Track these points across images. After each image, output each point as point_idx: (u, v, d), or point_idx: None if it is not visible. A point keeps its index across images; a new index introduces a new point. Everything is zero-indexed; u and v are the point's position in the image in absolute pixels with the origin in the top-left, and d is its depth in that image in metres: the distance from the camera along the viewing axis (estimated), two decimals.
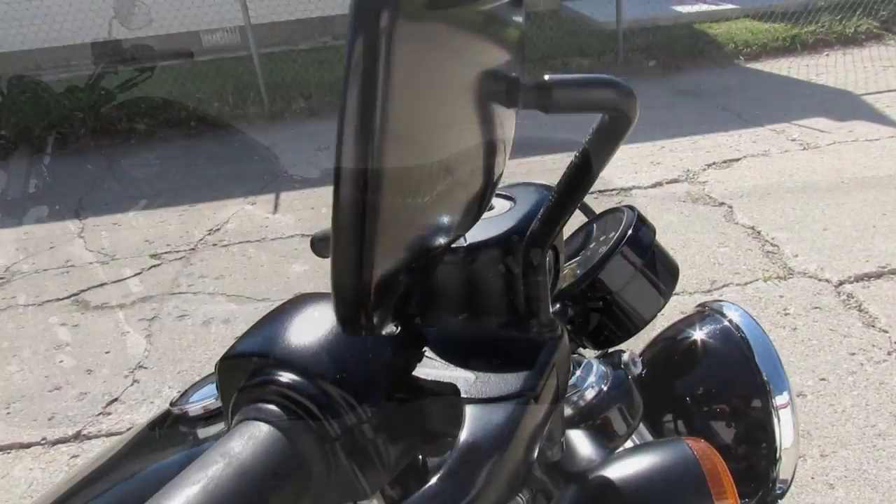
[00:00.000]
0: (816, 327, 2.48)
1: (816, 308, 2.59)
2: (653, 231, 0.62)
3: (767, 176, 3.87)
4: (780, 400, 0.59)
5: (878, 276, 2.77)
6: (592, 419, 0.53)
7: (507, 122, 0.30)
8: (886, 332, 2.42)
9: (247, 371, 0.37)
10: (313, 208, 4.10)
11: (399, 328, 0.39)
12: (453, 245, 0.40)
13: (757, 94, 5.42)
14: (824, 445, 1.97)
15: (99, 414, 2.46)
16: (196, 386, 0.63)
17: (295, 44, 7.84)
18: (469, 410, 0.35)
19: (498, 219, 0.42)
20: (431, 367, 0.38)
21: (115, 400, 2.53)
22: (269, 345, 0.38)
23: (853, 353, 2.33)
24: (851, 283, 2.74)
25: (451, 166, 0.27)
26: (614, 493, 0.42)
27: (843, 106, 4.91)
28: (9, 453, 2.32)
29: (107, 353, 2.85)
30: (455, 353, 0.39)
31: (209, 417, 0.60)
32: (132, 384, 2.61)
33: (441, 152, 0.26)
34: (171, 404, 0.63)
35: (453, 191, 0.29)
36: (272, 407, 0.35)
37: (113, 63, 7.75)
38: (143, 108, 6.32)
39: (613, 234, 0.62)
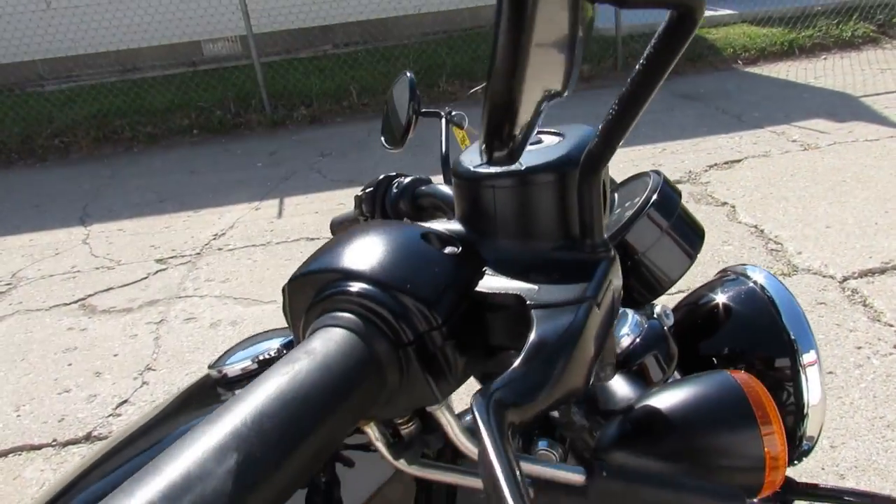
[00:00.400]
0: (822, 322, 2.49)
1: (822, 304, 2.61)
2: (679, 194, 0.63)
3: (769, 176, 3.89)
4: (807, 358, 0.60)
5: (882, 271, 2.79)
6: (629, 366, 0.55)
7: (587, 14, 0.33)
8: (892, 325, 2.44)
9: (316, 288, 0.39)
10: (318, 212, 4.12)
11: (460, 248, 0.41)
12: (509, 169, 0.42)
13: (756, 98, 5.45)
14: (834, 437, 1.98)
15: (109, 415, 2.47)
16: (234, 349, 0.65)
17: (296, 52, 7.89)
18: (536, 314, 0.37)
19: (550, 148, 0.44)
20: (494, 282, 0.40)
21: (125, 401, 2.54)
22: (337, 261, 0.40)
23: (859, 347, 2.34)
24: (856, 278, 2.75)
25: (553, 37, 0.30)
26: (660, 419, 0.43)
27: (843, 108, 4.95)
28: (20, 455, 2.33)
29: (115, 355, 2.86)
30: (514, 271, 0.41)
31: (247, 378, 0.61)
32: (141, 385, 2.62)
33: (545, 23, 0.29)
34: (210, 367, 0.64)
35: (553, 59, 0.32)
36: (347, 314, 0.37)
37: (115, 73, 7.79)
38: (146, 116, 6.36)
39: (638, 199, 0.63)
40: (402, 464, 0.42)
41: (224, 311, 3.11)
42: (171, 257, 3.77)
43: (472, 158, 0.45)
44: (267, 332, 0.67)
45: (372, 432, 0.42)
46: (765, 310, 0.61)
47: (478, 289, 0.40)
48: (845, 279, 2.76)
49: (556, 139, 0.45)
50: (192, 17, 7.37)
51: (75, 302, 3.38)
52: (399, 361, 0.37)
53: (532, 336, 0.36)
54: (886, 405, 2.08)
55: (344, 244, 0.41)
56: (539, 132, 0.46)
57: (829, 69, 6.09)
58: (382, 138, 1.01)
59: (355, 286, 0.38)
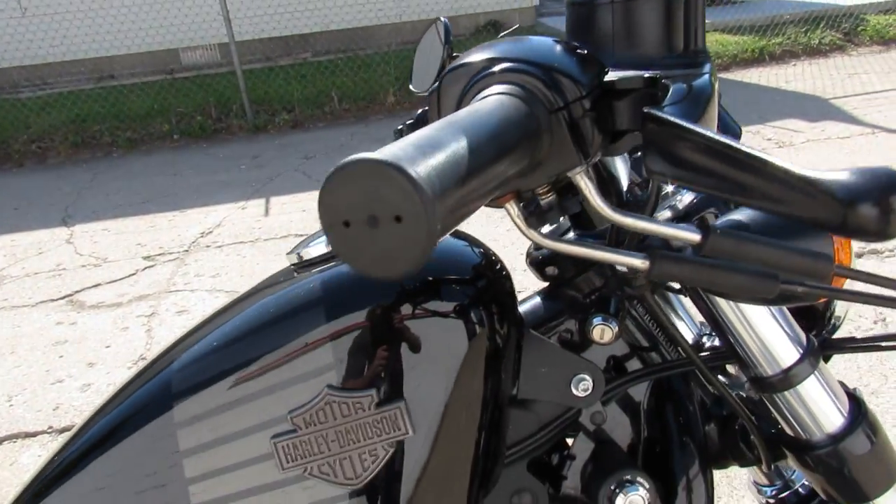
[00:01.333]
0: None
1: None
2: (719, 95, 0.69)
3: None
4: None
5: (859, 255, 2.89)
6: (690, 219, 0.59)
7: None
8: None
9: (469, 76, 0.44)
10: (304, 210, 4.14)
11: (586, 51, 0.47)
12: None
13: (730, 100, 5.55)
14: None
15: None
16: (308, 238, 0.68)
17: (275, 60, 7.91)
18: (668, 82, 0.43)
19: None
20: (620, 73, 0.46)
21: None
22: (487, 52, 0.46)
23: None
24: None
25: None
26: (741, 227, 0.48)
27: (814, 109, 5.11)
28: (15, 442, 2.31)
29: (107, 347, 2.85)
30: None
31: (323, 261, 0.64)
32: None
33: None
34: (287, 253, 0.67)
35: None
36: (505, 85, 0.43)
37: (91, 80, 7.74)
38: (125, 122, 6.33)
39: None
40: (536, 235, 0.46)
41: (216, 304, 3.10)
42: (159, 254, 3.76)
43: None
44: None
45: (512, 209, 0.46)
46: None
47: (606, 79, 0.46)
48: None
49: None
50: (171, 23, 7.37)
51: (62, 298, 3.35)
52: (550, 124, 0.43)
53: (671, 92, 0.42)
54: (870, 374, 2.17)
55: (486, 45, 0.46)
56: None
57: (799, 74, 6.29)
58: (411, 85, 1.06)
59: (507, 65, 0.44)
